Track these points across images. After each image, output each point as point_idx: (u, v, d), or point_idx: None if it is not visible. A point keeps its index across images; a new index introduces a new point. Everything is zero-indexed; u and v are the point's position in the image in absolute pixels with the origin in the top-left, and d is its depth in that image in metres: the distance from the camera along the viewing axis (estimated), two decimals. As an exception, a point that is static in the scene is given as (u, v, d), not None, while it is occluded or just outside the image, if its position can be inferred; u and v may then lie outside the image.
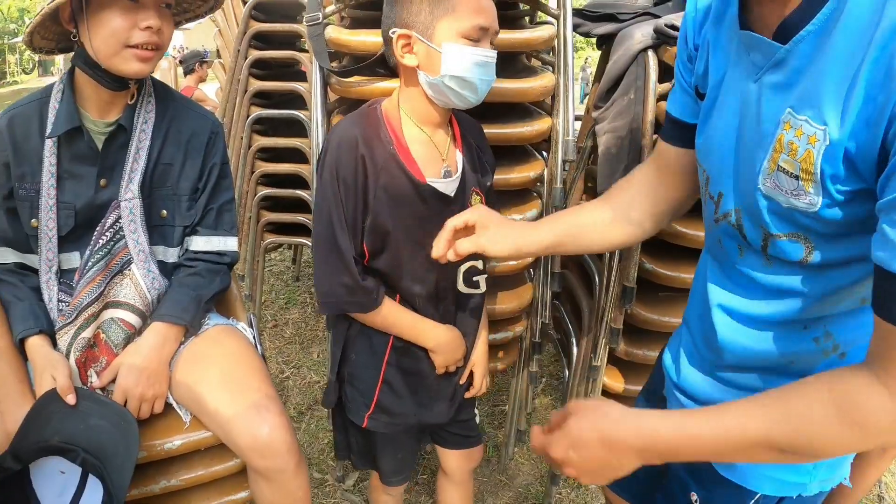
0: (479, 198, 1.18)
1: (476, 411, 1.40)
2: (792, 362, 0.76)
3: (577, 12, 1.54)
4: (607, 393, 1.64)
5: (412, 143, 1.11)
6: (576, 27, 1.52)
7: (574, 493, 1.92)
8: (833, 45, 0.59)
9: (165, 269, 1.25)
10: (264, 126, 2.27)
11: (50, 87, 1.16)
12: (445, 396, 1.25)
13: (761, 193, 0.68)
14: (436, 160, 1.13)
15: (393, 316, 1.15)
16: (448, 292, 1.19)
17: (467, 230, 0.94)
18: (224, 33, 2.43)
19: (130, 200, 1.17)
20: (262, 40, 2.19)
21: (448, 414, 1.26)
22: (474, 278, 1.21)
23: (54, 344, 1.15)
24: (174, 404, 1.19)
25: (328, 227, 1.08)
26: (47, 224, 1.14)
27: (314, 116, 1.41)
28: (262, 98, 2.27)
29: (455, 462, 1.38)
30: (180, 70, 5.32)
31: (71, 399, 1.06)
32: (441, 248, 0.93)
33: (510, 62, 1.48)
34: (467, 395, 1.28)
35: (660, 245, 1.37)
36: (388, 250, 1.11)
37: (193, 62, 4.80)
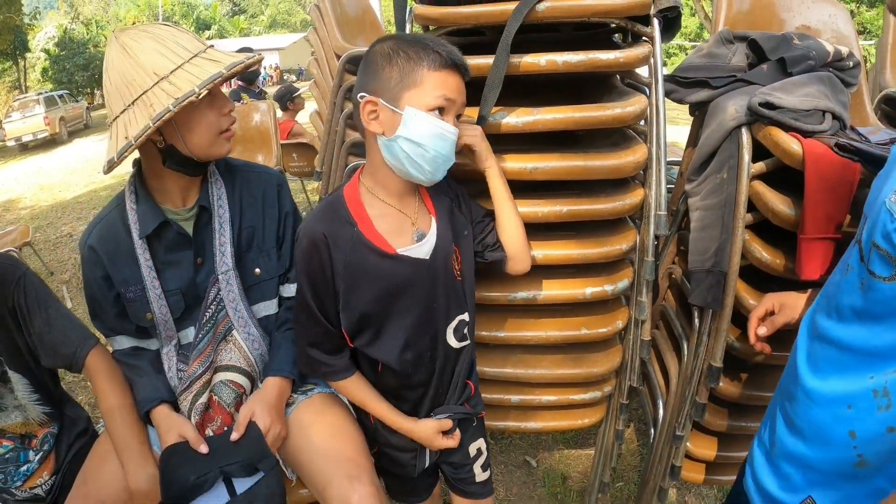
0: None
1: (482, 468, 1.37)
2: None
3: (670, 78, 1.50)
4: (693, 460, 1.60)
5: (377, 218, 1.12)
6: (668, 93, 1.48)
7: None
8: None
9: (270, 324, 1.32)
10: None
11: (121, 194, 1.22)
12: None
13: (885, 207, 0.74)
14: (406, 228, 1.14)
15: (359, 398, 1.23)
16: (438, 351, 1.19)
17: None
18: (320, 83, 2.55)
19: (227, 273, 1.23)
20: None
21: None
22: (465, 331, 1.22)
23: (177, 409, 1.24)
24: (281, 463, 1.28)
25: (304, 310, 1.15)
26: (161, 311, 1.22)
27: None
28: (360, 148, 2.37)
29: None
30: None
31: (203, 448, 1.15)
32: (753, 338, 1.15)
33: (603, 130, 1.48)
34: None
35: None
36: (368, 328, 1.15)
37: (286, 100, 5.10)
